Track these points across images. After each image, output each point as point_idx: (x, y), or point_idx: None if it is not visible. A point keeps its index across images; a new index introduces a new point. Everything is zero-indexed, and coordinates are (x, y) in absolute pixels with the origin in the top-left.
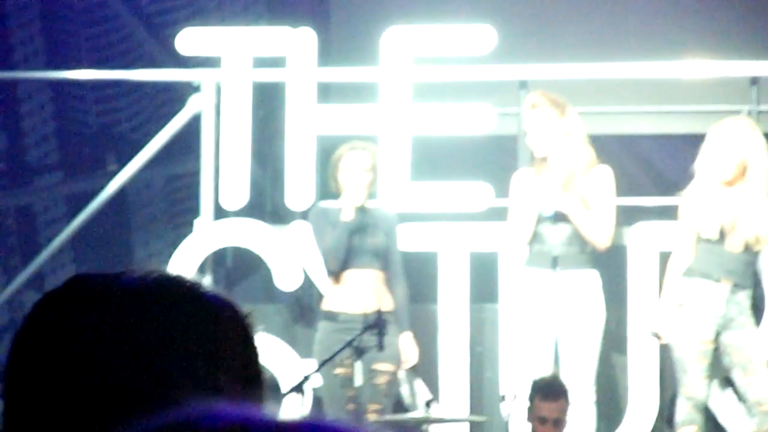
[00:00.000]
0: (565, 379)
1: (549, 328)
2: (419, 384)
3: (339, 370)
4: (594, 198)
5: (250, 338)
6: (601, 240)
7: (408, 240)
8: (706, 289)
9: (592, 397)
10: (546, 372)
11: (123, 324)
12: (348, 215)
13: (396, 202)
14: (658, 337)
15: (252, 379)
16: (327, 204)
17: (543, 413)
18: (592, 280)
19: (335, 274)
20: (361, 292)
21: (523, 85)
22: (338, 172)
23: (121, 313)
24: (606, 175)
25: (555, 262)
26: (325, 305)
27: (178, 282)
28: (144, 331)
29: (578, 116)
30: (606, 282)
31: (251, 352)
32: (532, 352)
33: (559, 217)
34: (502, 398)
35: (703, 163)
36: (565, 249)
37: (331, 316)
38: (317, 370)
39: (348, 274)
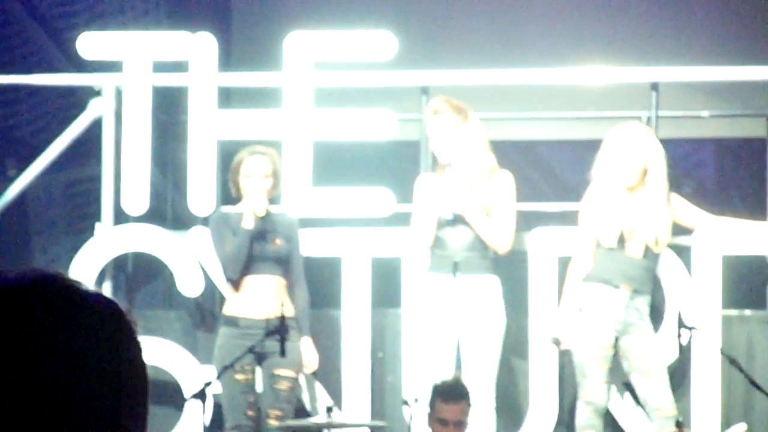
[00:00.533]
0: (467, 382)
1: (450, 332)
2: (320, 389)
3: (240, 376)
4: (495, 203)
5: (131, 336)
6: (502, 245)
7: (310, 245)
8: (605, 294)
9: (493, 402)
10: (447, 375)
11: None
12: (249, 222)
13: (298, 208)
14: (558, 343)
15: (134, 377)
16: (228, 209)
17: (444, 415)
18: (492, 285)
19: (235, 281)
20: (262, 298)
21: (425, 90)
22: (239, 177)
23: None
24: (507, 180)
25: (456, 267)
26: (227, 311)
27: (56, 281)
28: (21, 330)
29: (479, 122)
30: (507, 287)
31: (133, 350)
32: (433, 356)
33: (460, 223)
34: (404, 402)
35: (601, 168)
36: (466, 254)
37: (232, 322)
38: (218, 376)
39: (249, 280)
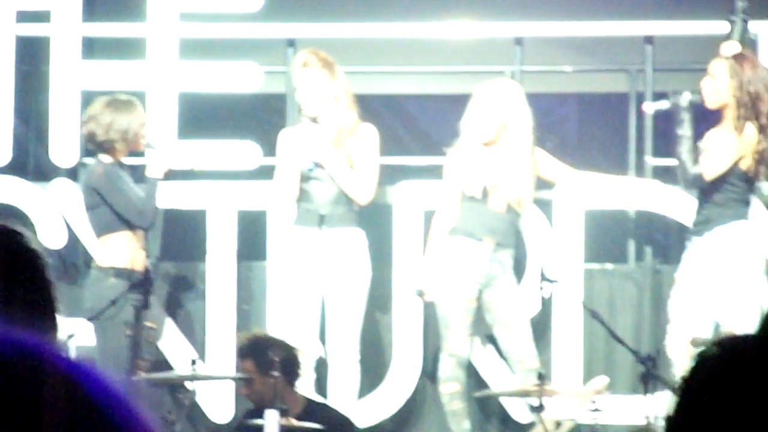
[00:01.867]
0: (330, 337)
1: (316, 285)
2: (185, 341)
3: (129, 331)
4: (358, 156)
5: (40, 273)
6: (362, 196)
7: (175, 198)
8: (469, 247)
9: (357, 355)
10: (246, 332)
11: None
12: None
13: (163, 160)
14: (423, 295)
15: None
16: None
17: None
18: (358, 238)
19: (101, 231)
20: (131, 248)
21: (291, 43)
22: (139, 126)
23: None
24: (370, 133)
25: (321, 220)
26: (100, 261)
27: None
28: None
29: (346, 77)
30: (371, 241)
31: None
32: (298, 311)
33: (326, 176)
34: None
35: (467, 123)
36: (331, 208)
37: (114, 273)
38: (92, 319)
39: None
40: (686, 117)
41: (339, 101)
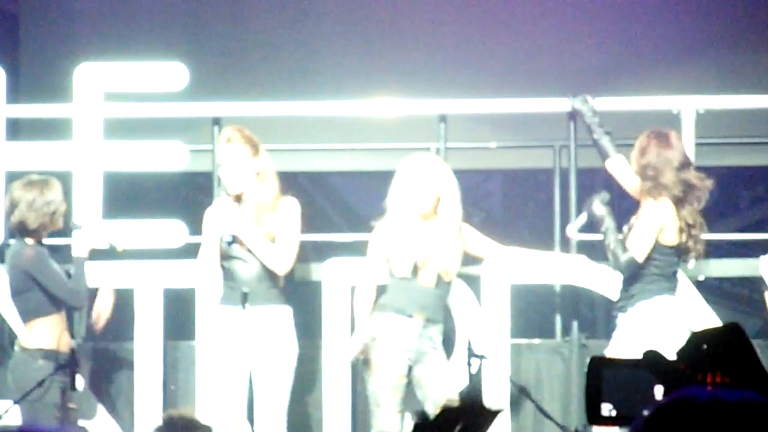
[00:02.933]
0: (257, 415)
1: (242, 365)
2: (112, 422)
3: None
4: (279, 229)
5: None
6: (280, 266)
7: (102, 277)
8: (399, 323)
9: None
10: (180, 411)
11: None
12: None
13: (89, 240)
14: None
15: None
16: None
17: None
18: (283, 315)
19: (29, 314)
20: (57, 330)
21: (216, 121)
22: (59, 204)
23: None
24: (291, 206)
25: (245, 298)
26: (25, 344)
27: None
28: None
29: (269, 155)
30: (300, 317)
31: None
32: (225, 390)
33: (248, 253)
34: None
35: (395, 197)
36: (254, 285)
37: (42, 355)
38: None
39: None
40: (604, 212)
41: (261, 177)
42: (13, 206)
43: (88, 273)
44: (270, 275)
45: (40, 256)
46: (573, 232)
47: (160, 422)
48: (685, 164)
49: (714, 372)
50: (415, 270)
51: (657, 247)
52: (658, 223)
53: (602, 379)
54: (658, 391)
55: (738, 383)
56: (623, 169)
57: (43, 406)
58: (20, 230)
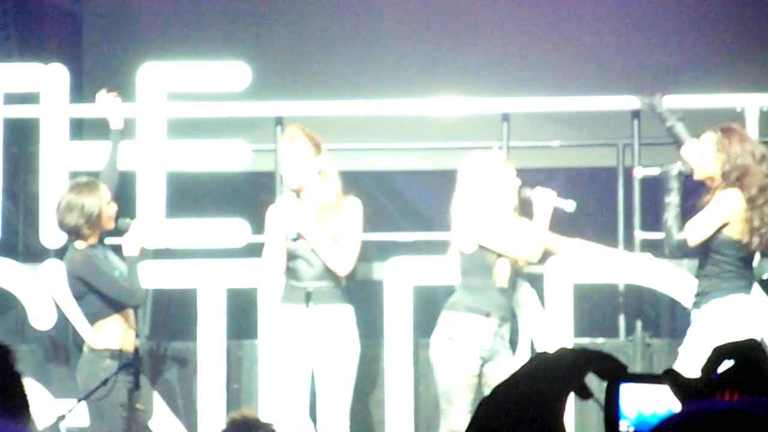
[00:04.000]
0: (320, 415)
1: (304, 364)
2: (176, 422)
3: (125, 413)
4: (341, 229)
5: (9, 368)
6: (341, 267)
7: (166, 277)
8: (476, 323)
9: None
10: (242, 412)
11: None
12: (134, 250)
13: (152, 239)
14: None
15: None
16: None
17: None
18: (345, 314)
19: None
20: (122, 329)
21: (279, 121)
22: (104, 205)
23: None
24: (353, 206)
25: (308, 297)
26: (93, 344)
27: None
28: None
29: (331, 156)
30: (362, 317)
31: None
32: (288, 388)
33: (312, 253)
34: None
35: (472, 197)
36: (318, 284)
37: (109, 354)
38: (84, 399)
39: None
40: (675, 186)
41: (323, 176)
42: (57, 208)
43: (141, 270)
44: (333, 274)
45: (87, 260)
46: (639, 173)
47: (223, 426)
48: (763, 158)
49: (732, 390)
50: (490, 268)
51: (725, 242)
52: (725, 214)
53: (620, 395)
54: (676, 408)
55: None
56: (698, 154)
57: (109, 405)
58: (67, 233)
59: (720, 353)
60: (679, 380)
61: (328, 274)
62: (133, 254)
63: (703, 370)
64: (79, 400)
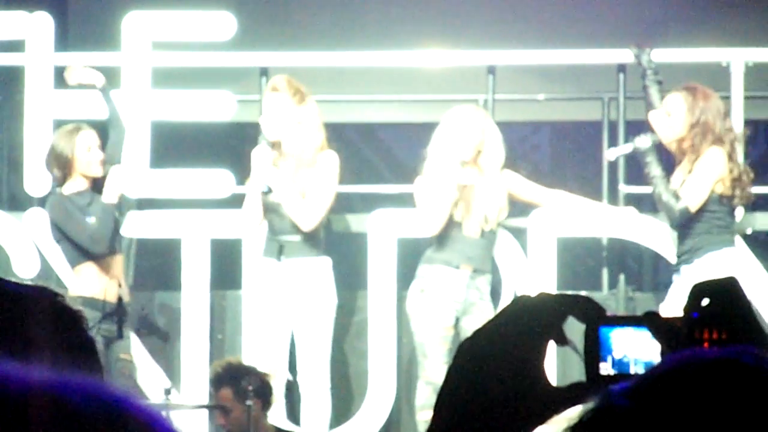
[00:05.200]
0: (300, 366)
1: (282, 316)
2: (159, 371)
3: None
4: (313, 183)
5: (63, 317)
6: (306, 223)
7: (150, 227)
8: (446, 275)
9: (327, 383)
10: (220, 361)
11: None
12: (113, 197)
13: (136, 189)
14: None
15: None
16: (67, 190)
17: (215, 401)
18: (320, 266)
19: (76, 259)
20: (104, 278)
21: (264, 72)
22: (77, 151)
23: None
24: (329, 160)
25: (281, 250)
26: (72, 291)
27: None
28: None
29: (316, 106)
30: (347, 269)
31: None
32: (267, 339)
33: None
34: (167, 391)
35: (438, 147)
36: (290, 237)
37: (82, 302)
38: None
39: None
40: (652, 158)
41: (304, 127)
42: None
43: (112, 218)
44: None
45: (58, 204)
46: (611, 155)
47: (218, 369)
48: (726, 113)
49: (711, 328)
50: (460, 221)
51: (715, 199)
52: (717, 173)
53: (599, 337)
54: (656, 350)
55: (735, 339)
56: (665, 121)
57: None
58: (51, 178)
59: (699, 292)
60: (659, 320)
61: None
62: (111, 201)
63: (684, 309)
64: None
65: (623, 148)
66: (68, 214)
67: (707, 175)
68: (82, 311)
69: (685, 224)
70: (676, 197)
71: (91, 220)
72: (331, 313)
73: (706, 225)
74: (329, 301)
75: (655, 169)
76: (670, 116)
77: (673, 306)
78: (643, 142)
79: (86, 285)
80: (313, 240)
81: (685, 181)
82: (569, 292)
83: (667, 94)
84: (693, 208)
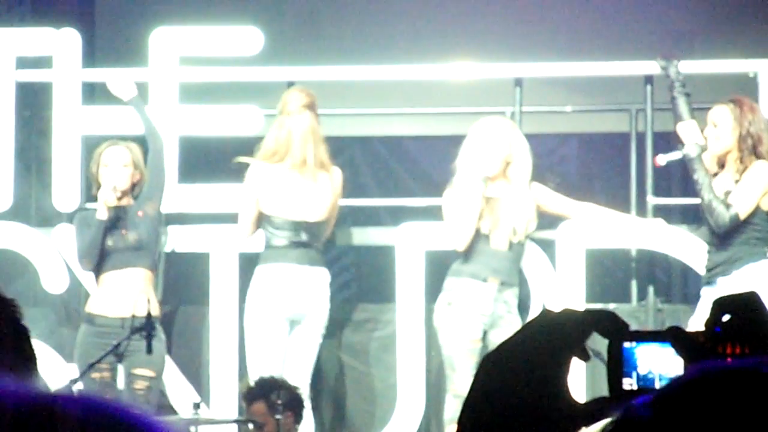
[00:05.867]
0: (290, 377)
1: (281, 324)
2: (187, 386)
3: (96, 375)
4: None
5: (17, 322)
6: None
7: (178, 241)
8: (474, 288)
9: (307, 398)
10: (256, 375)
11: None
12: (102, 213)
13: (164, 204)
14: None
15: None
16: (91, 206)
17: (247, 415)
18: (317, 277)
19: (95, 275)
20: (120, 294)
21: (291, 86)
22: (98, 168)
23: None
24: (335, 176)
25: (284, 258)
26: (87, 307)
27: None
28: None
29: (343, 121)
30: (375, 282)
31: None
32: (264, 351)
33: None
34: (196, 406)
35: (465, 160)
36: (293, 246)
37: (90, 319)
38: (81, 375)
39: (109, 275)
40: (700, 165)
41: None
42: None
43: (98, 236)
44: (308, 236)
45: (75, 219)
46: (662, 160)
47: (250, 383)
48: None
49: (733, 343)
50: (486, 233)
51: (758, 212)
52: (765, 186)
53: (623, 353)
54: (680, 365)
55: (757, 353)
56: (694, 134)
57: (119, 370)
58: None
59: (721, 306)
60: (682, 335)
61: (305, 235)
62: (102, 218)
63: (706, 324)
64: (88, 367)
65: (673, 155)
66: (78, 229)
67: (757, 186)
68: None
69: (723, 235)
70: (726, 205)
71: (85, 236)
72: (323, 324)
73: (744, 236)
74: (323, 313)
75: (703, 177)
76: (717, 128)
77: (703, 319)
78: (692, 149)
79: (108, 299)
80: (312, 249)
81: (730, 191)
82: (595, 306)
83: (713, 106)
84: (743, 216)
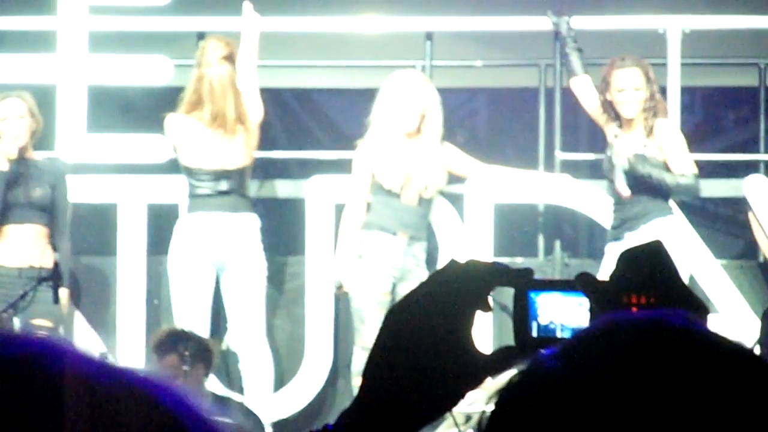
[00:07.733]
0: (236, 330)
1: (208, 273)
2: (94, 336)
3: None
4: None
5: None
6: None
7: (86, 192)
8: (383, 241)
9: (266, 346)
10: (162, 328)
11: None
12: (4, 165)
13: (72, 154)
14: (340, 287)
15: None
16: None
17: (159, 368)
18: (248, 223)
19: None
20: (19, 247)
21: (201, 36)
22: None
23: None
24: (252, 125)
25: (208, 205)
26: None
27: None
28: None
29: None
30: (284, 234)
31: None
32: (188, 298)
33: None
34: (103, 356)
35: (380, 114)
36: (216, 194)
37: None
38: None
39: (7, 228)
40: (645, 164)
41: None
42: None
43: (1, 190)
44: (236, 183)
45: None
46: (626, 191)
47: (161, 336)
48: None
49: (639, 293)
50: (398, 188)
51: (665, 165)
52: (682, 139)
53: (528, 302)
54: (583, 316)
55: (662, 304)
56: (588, 90)
57: (24, 320)
58: None
59: (626, 257)
60: (591, 280)
61: (233, 183)
62: (3, 169)
63: (612, 275)
64: None
65: (620, 175)
66: None
67: (682, 143)
68: None
69: (631, 190)
70: (682, 176)
71: None
72: (256, 270)
73: (654, 192)
74: (259, 259)
75: (657, 171)
76: (632, 92)
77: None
78: (637, 163)
79: (7, 250)
80: (241, 197)
81: (666, 157)
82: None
83: (620, 69)
84: (696, 171)
